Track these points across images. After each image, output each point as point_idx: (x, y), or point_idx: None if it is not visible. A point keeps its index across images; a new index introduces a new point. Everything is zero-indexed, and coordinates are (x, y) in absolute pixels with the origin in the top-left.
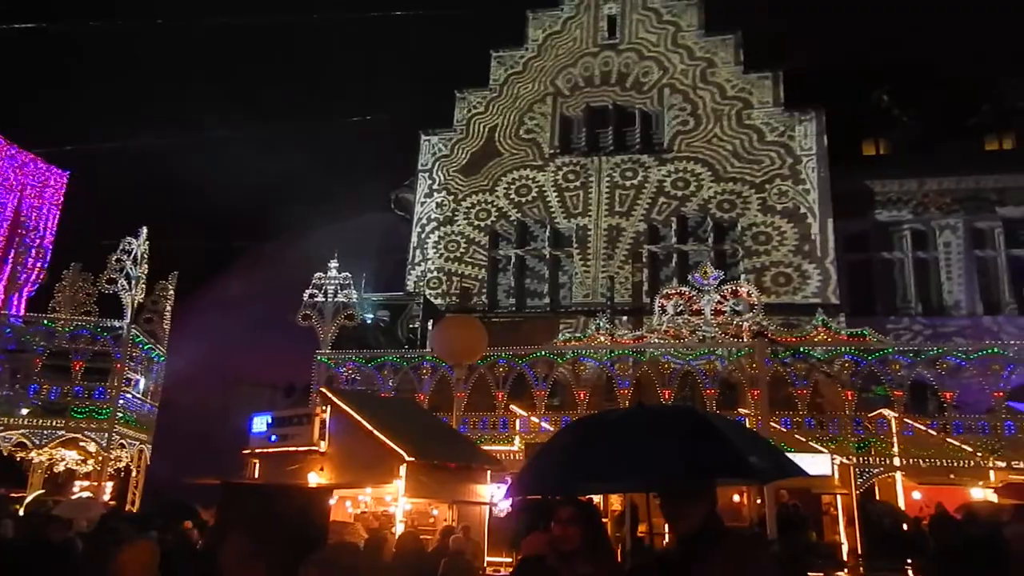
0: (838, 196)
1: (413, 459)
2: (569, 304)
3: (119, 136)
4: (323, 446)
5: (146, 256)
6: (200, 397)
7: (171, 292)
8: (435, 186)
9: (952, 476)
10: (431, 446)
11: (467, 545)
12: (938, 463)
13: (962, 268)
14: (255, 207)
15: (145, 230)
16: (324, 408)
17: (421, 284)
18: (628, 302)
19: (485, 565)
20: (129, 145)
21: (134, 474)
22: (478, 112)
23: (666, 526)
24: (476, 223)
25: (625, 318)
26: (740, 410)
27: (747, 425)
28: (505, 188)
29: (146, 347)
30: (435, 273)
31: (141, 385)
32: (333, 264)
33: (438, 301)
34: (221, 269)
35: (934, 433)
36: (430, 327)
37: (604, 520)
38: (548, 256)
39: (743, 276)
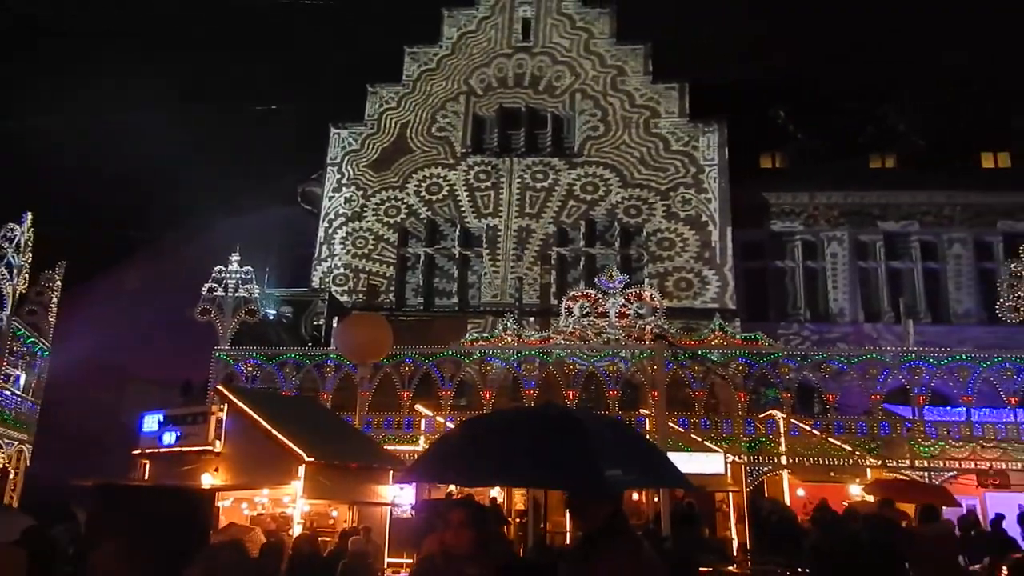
0: (737, 206)
1: (312, 459)
2: (477, 304)
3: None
4: (218, 446)
5: (30, 244)
6: (88, 395)
7: (58, 283)
8: (344, 181)
9: (832, 474)
10: (332, 446)
11: (367, 547)
12: (820, 462)
13: (847, 278)
14: (152, 196)
15: (29, 216)
16: (221, 407)
17: (327, 280)
18: (536, 303)
19: (386, 566)
20: (12, 124)
21: (12, 476)
22: (390, 107)
23: (567, 525)
24: (385, 220)
25: (532, 319)
26: (641, 410)
27: (647, 426)
28: (416, 185)
29: (28, 341)
30: (342, 270)
31: (22, 381)
32: (235, 258)
33: (344, 298)
34: (115, 260)
35: (817, 433)
36: (335, 324)
37: (508, 519)
38: (457, 255)
39: (647, 280)
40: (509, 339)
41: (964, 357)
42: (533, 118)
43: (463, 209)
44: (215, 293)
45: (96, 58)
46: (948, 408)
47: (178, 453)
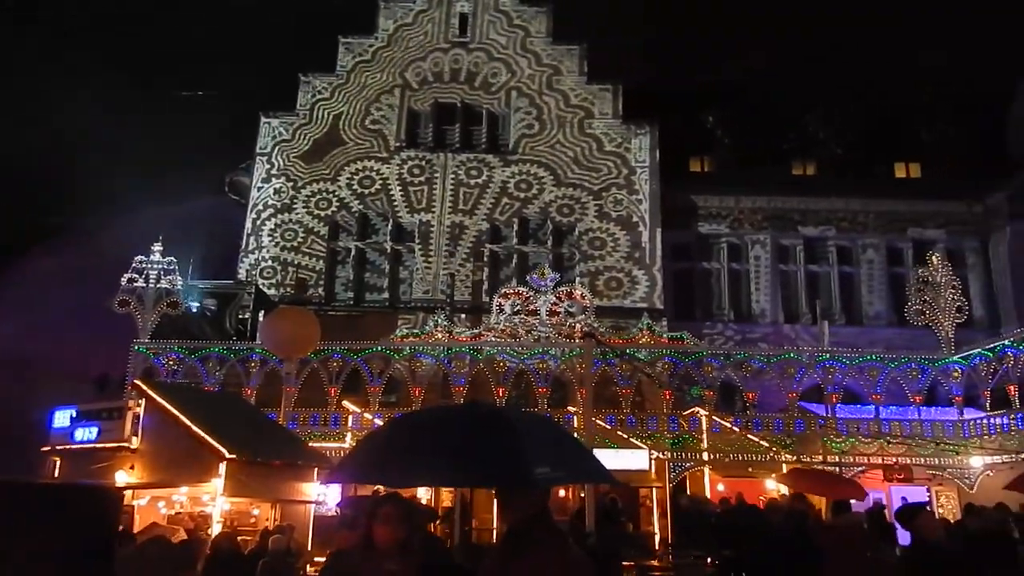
0: (666, 208)
1: (234, 457)
2: (409, 300)
3: None
4: (135, 443)
5: None
6: None
7: None
8: (274, 171)
9: (750, 469)
10: (254, 443)
11: (289, 545)
12: (739, 457)
13: (768, 280)
14: (69, 179)
15: None
16: (138, 402)
17: (254, 273)
18: (468, 300)
19: (308, 565)
20: None
21: None
22: (323, 98)
23: (494, 522)
24: (316, 212)
25: (464, 316)
26: (569, 408)
27: (575, 423)
28: (348, 178)
29: None
30: (270, 262)
31: None
32: (157, 247)
33: (272, 292)
34: (25, 245)
35: (737, 430)
36: (261, 318)
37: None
38: (389, 250)
39: (578, 279)
40: (440, 336)
41: (874, 358)
42: (468, 114)
43: (396, 204)
44: (135, 284)
45: (12, 33)
46: (859, 406)
47: (91, 450)
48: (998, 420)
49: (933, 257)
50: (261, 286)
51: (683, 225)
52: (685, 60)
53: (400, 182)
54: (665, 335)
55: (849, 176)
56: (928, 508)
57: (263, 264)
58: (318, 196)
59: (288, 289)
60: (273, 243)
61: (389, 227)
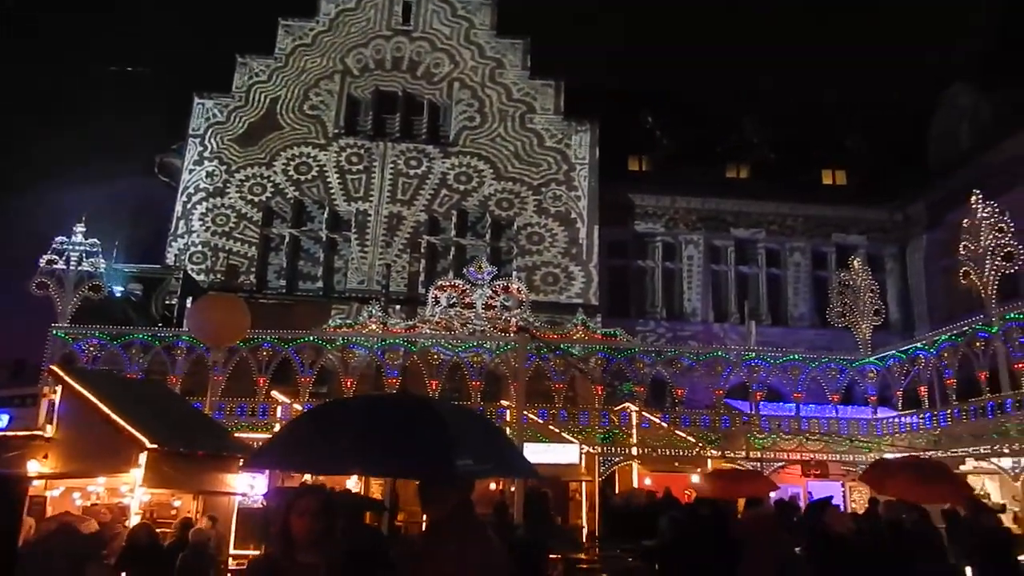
0: (604, 205)
1: (155, 446)
2: (343, 290)
3: None
4: (49, 431)
5: None
6: None
7: None
8: (207, 154)
9: (677, 464)
10: (177, 432)
11: (210, 537)
12: (667, 452)
13: (700, 279)
14: None
15: None
16: (54, 388)
17: (183, 258)
18: (403, 291)
19: (230, 558)
20: None
21: None
22: (260, 80)
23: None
24: (250, 198)
25: (399, 307)
26: (503, 401)
27: (507, 417)
28: (284, 164)
29: None
30: (200, 247)
31: None
32: (79, 228)
33: (201, 277)
34: None
35: (665, 426)
36: (189, 305)
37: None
38: (325, 239)
39: (515, 273)
40: (374, 326)
41: (796, 357)
42: (409, 103)
43: (333, 191)
44: (55, 266)
45: None
46: (781, 404)
47: (2, 438)
48: (908, 419)
49: (854, 262)
50: (190, 271)
51: (620, 223)
52: (627, 60)
53: (338, 170)
54: (599, 331)
55: (780, 181)
56: (834, 503)
57: (193, 249)
58: (252, 181)
59: (218, 275)
60: (204, 228)
61: (325, 215)
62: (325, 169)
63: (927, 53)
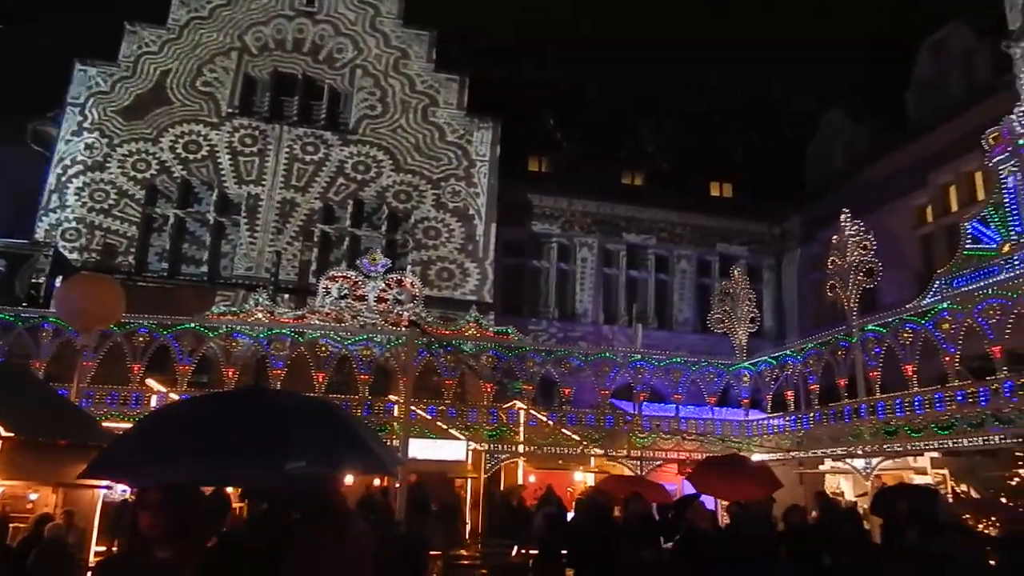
0: (503, 204)
1: (11, 435)
2: (230, 276)
3: None
4: None
5: None
6: None
7: None
8: (87, 124)
9: (560, 462)
10: (37, 420)
11: (68, 534)
12: (552, 450)
13: (592, 282)
14: None
15: None
16: None
17: (54, 234)
18: (293, 280)
19: (92, 555)
20: None
21: None
22: (150, 51)
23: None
24: (132, 174)
25: (288, 296)
26: (391, 396)
27: (395, 412)
28: (172, 141)
29: None
30: (74, 224)
31: None
32: None
33: (74, 256)
34: None
35: (552, 424)
36: (58, 284)
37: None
38: (212, 222)
39: (410, 267)
40: (260, 315)
41: (679, 360)
42: (309, 87)
43: (223, 173)
44: None
45: None
46: (662, 404)
47: None
48: (776, 421)
49: (735, 271)
50: (61, 249)
51: (517, 222)
52: (533, 60)
53: (230, 151)
54: (492, 329)
55: (672, 190)
56: (699, 500)
57: (66, 225)
58: (136, 157)
59: (93, 254)
60: (80, 203)
61: (214, 197)
62: (216, 149)
63: (813, 77)
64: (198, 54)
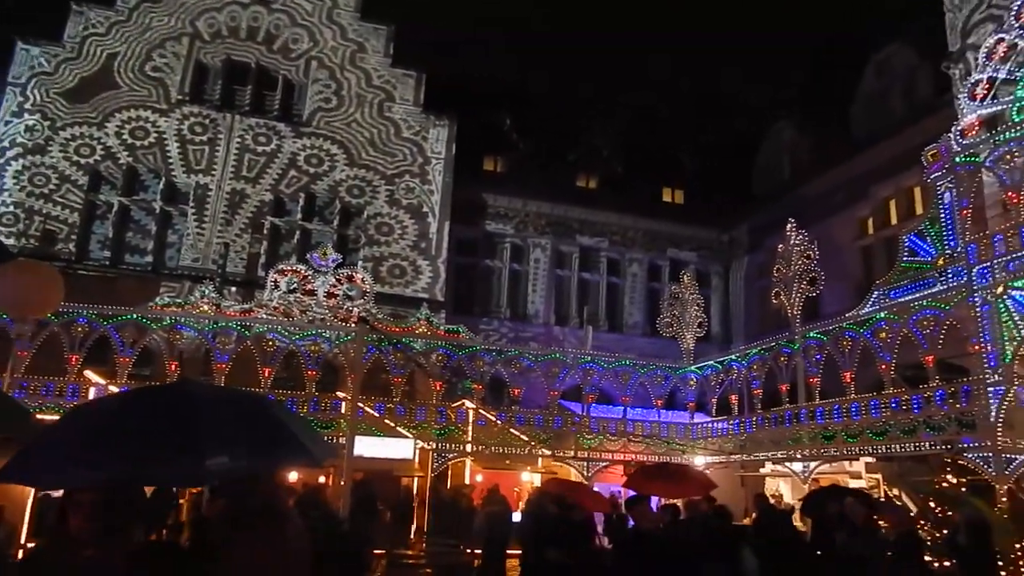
0: (457, 202)
1: None
2: (175, 267)
3: None
4: None
5: None
6: None
7: None
8: (28, 105)
9: (508, 462)
10: None
11: None
12: (500, 450)
13: (545, 283)
14: None
15: None
16: None
17: None
18: (241, 273)
19: (20, 551)
20: None
21: None
22: (97, 33)
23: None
24: (75, 159)
25: (235, 289)
26: (339, 393)
27: (343, 409)
28: (117, 126)
29: None
30: (11, 208)
31: None
32: None
33: (11, 242)
34: None
35: (500, 424)
36: None
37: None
38: (158, 211)
39: (361, 263)
40: (206, 308)
41: (627, 363)
42: (263, 77)
43: (171, 161)
44: None
45: None
46: (610, 406)
47: None
48: (720, 425)
49: (685, 276)
50: None
51: (471, 221)
52: (492, 60)
53: (179, 138)
54: (442, 327)
55: (624, 194)
56: (647, 500)
57: (3, 209)
58: (79, 141)
59: (31, 240)
60: (18, 187)
61: (161, 185)
62: (164, 136)
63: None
64: (148, 38)
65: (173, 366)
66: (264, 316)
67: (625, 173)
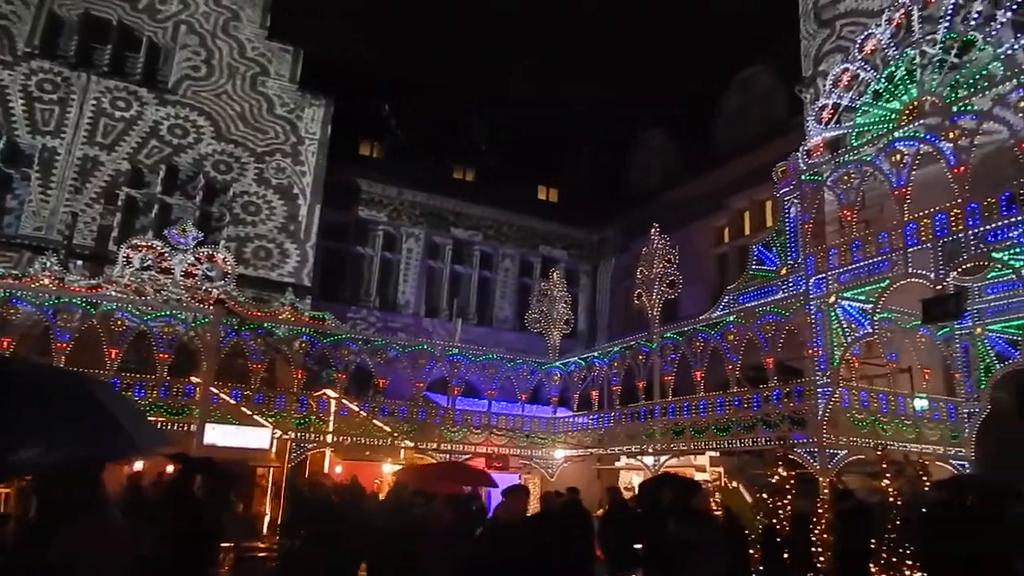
0: (329, 186)
1: None
2: (14, 235)
3: None
4: None
5: None
6: None
7: None
8: None
9: (368, 453)
10: None
11: None
12: (361, 441)
13: (417, 273)
14: None
15: None
16: None
17: None
18: (90, 246)
19: None
20: None
21: None
22: None
23: None
24: None
25: (82, 263)
26: (192, 378)
27: (195, 395)
28: None
29: None
30: None
31: None
32: None
33: None
34: None
35: (364, 414)
36: None
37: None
38: None
39: (224, 243)
40: (47, 281)
41: (495, 357)
42: (126, 37)
43: (14, 119)
44: None
45: None
46: (475, 400)
47: None
48: (580, 419)
49: (554, 274)
50: None
51: (343, 206)
52: (374, 42)
53: (25, 95)
54: (307, 313)
55: (501, 189)
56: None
57: None
58: None
59: None
60: None
61: (1, 145)
62: (8, 91)
63: (639, 94)
64: None
65: (5, 343)
66: (113, 293)
67: (502, 168)
